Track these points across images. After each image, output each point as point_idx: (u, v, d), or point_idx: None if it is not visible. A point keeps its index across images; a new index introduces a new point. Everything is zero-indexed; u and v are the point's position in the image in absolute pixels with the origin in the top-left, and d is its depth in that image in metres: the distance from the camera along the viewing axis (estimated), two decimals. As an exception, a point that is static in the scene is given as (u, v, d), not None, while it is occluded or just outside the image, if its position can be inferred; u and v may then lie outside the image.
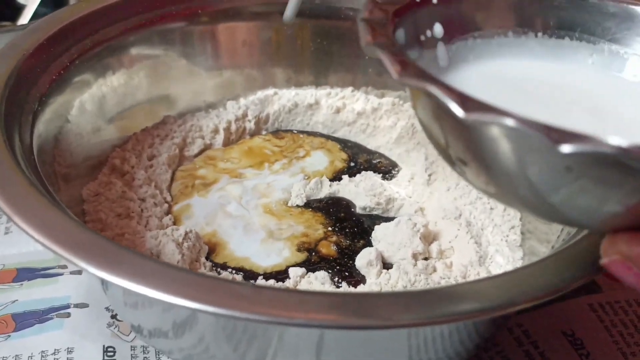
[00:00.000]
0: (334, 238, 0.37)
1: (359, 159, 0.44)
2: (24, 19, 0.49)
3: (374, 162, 0.44)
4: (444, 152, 0.23)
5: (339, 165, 0.43)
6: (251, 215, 0.39)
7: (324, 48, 0.45)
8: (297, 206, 0.39)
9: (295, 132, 0.46)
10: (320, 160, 0.44)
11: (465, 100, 0.18)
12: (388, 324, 0.21)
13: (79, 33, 0.36)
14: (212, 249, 0.36)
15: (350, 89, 0.46)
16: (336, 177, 0.41)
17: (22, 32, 0.33)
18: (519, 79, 0.26)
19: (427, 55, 0.26)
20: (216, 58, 0.43)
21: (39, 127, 0.31)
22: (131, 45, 0.39)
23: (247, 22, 0.43)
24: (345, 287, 0.33)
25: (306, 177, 0.41)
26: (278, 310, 0.21)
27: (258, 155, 0.43)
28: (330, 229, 0.38)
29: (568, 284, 0.23)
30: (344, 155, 0.44)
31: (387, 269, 0.34)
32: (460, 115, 0.18)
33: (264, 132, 0.46)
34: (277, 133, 0.46)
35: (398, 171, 0.43)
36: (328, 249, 0.37)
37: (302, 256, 0.36)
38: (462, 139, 0.21)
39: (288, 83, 0.46)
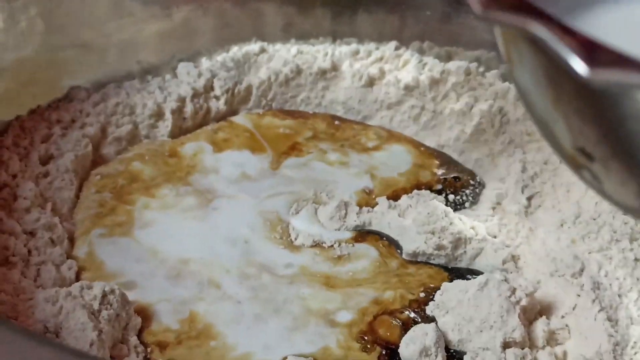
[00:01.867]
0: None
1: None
2: None
3: (439, 174, 0.34)
4: (562, 146, 0.17)
5: (427, 176, 0.34)
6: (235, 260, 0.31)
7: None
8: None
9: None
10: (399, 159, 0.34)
11: (594, 49, 0.12)
12: None
13: None
14: (146, 321, 0.27)
15: (393, 44, 0.34)
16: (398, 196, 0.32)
17: None
18: None
19: None
20: None
21: None
22: None
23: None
24: None
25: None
26: None
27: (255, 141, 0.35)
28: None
29: None
30: (434, 161, 0.34)
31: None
32: (586, 73, 0.12)
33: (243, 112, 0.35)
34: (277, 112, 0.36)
35: (477, 191, 0.33)
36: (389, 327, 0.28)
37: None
38: (592, 115, 0.15)
39: (285, 32, 0.35)
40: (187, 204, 0.32)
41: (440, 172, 0.34)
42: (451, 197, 0.32)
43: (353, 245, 0.30)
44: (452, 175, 0.33)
